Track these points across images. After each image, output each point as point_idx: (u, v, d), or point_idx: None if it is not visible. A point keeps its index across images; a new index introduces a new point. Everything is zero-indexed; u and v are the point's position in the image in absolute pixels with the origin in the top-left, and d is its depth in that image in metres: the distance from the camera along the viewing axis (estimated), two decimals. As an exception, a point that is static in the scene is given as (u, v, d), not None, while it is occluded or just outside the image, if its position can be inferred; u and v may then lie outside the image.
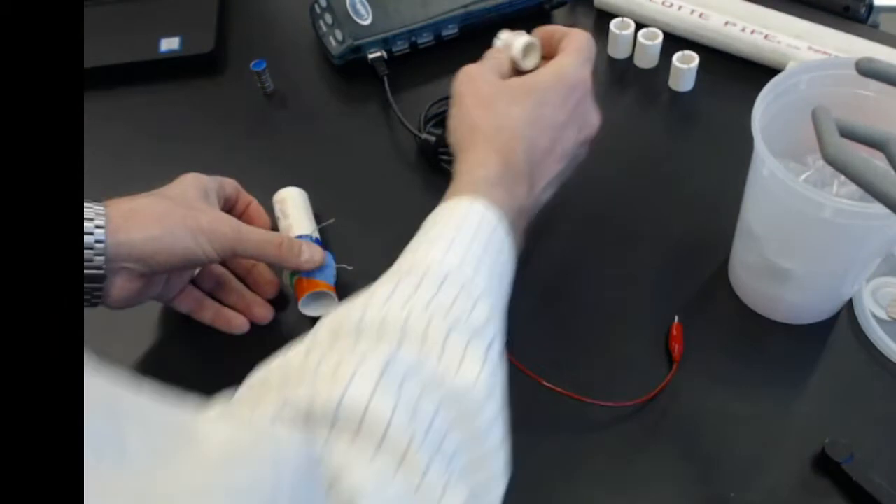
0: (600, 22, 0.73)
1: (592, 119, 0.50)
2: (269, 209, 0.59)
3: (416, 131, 0.63)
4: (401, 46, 0.70)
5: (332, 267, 0.54)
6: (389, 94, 0.66)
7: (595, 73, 0.70)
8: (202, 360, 0.54)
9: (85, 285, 0.46)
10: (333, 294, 0.53)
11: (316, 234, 0.56)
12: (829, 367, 0.50)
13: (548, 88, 0.47)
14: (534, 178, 0.46)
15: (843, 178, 0.47)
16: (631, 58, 0.70)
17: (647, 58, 0.69)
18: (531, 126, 0.46)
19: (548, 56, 0.50)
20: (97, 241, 0.44)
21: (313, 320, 0.54)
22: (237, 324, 0.54)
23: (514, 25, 0.74)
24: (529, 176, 0.45)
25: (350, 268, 0.55)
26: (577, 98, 0.48)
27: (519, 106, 0.46)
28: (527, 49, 0.51)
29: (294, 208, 0.57)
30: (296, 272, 0.53)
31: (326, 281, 0.53)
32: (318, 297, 0.53)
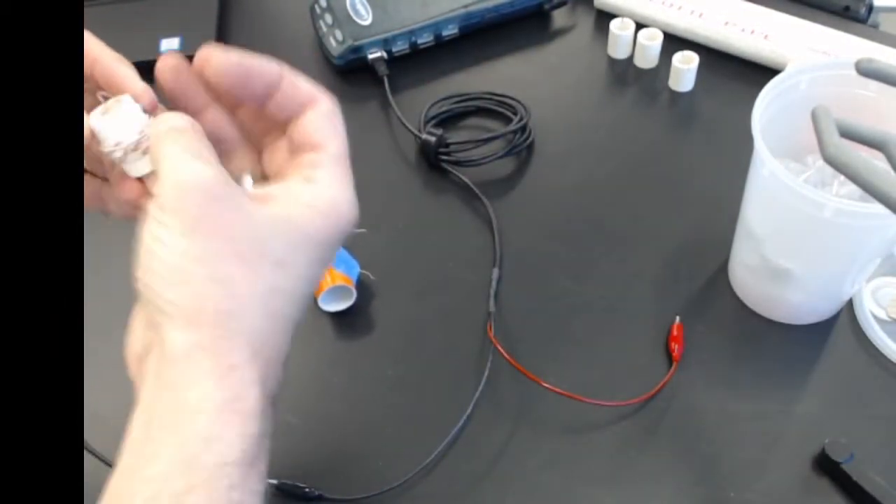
0: (600, 22, 0.73)
1: None
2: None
3: (416, 131, 0.63)
4: (401, 47, 0.70)
5: (356, 268, 0.54)
6: (389, 94, 0.66)
7: (595, 73, 0.70)
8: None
9: None
10: (353, 289, 0.53)
11: None
12: (829, 367, 0.50)
13: (326, 238, 0.32)
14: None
15: (843, 178, 0.47)
16: (631, 58, 0.70)
17: (647, 58, 0.69)
18: (299, 300, 0.31)
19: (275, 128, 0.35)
20: None
21: (332, 316, 0.54)
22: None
23: (514, 26, 0.74)
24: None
25: (373, 277, 0.55)
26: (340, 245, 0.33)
27: (294, 268, 0.31)
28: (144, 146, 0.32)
29: None
30: None
31: (348, 276, 0.53)
32: (337, 292, 0.53)
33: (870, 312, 0.52)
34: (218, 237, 0.28)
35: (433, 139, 0.61)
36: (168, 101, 0.34)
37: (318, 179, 0.32)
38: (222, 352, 0.28)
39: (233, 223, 0.29)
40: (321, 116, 0.33)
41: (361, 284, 0.55)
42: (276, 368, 0.30)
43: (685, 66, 0.66)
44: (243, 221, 0.29)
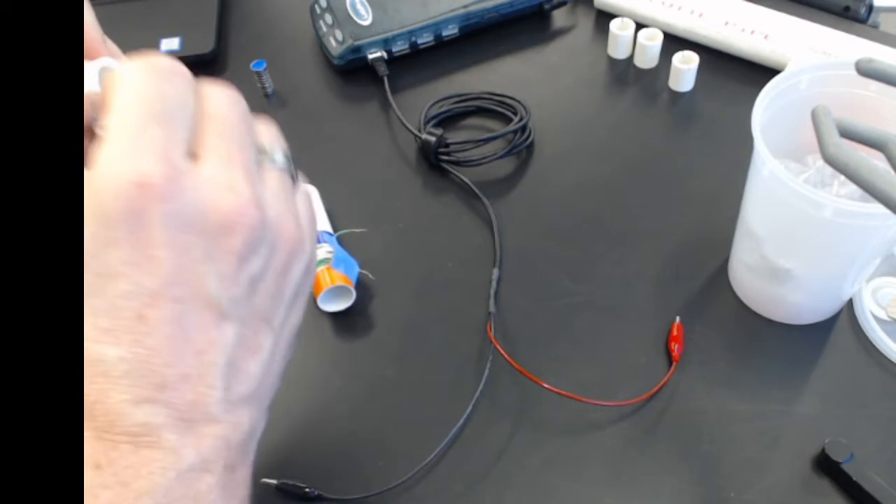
0: (600, 22, 0.73)
1: (312, 262, 0.32)
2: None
3: (416, 131, 0.63)
4: (401, 47, 0.70)
5: (355, 268, 0.54)
6: (389, 94, 0.66)
7: (595, 73, 0.70)
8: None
9: None
10: (352, 289, 0.53)
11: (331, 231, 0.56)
12: (829, 367, 0.50)
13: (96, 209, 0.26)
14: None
15: (843, 178, 0.47)
16: (631, 58, 0.70)
17: (647, 58, 0.69)
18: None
19: None
20: None
21: (332, 316, 0.54)
22: None
23: (514, 26, 0.74)
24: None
25: (373, 277, 0.55)
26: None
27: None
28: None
29: None
30: (317, 266, 0.52)
31: (348, 276, 0.53)
32: (337, 292, 0.53)
33: (870, 312, 0.52)
34: None
35: (433, 139, 0.61)
36: None
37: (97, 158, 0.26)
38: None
39: None
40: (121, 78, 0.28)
41: (361, 284, 0.55)
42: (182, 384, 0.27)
43: (685, 66, 0.66)
44: None
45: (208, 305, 0.27)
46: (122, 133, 0.26)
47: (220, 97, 0.30)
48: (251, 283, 0.29)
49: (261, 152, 0.31)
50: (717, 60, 0.69)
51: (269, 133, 0.32)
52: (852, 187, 0.48)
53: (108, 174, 0.25)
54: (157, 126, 0.26)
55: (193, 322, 0.27)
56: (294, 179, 0.33)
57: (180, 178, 0.26)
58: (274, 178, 0.31)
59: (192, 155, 0.28)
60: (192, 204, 0.27)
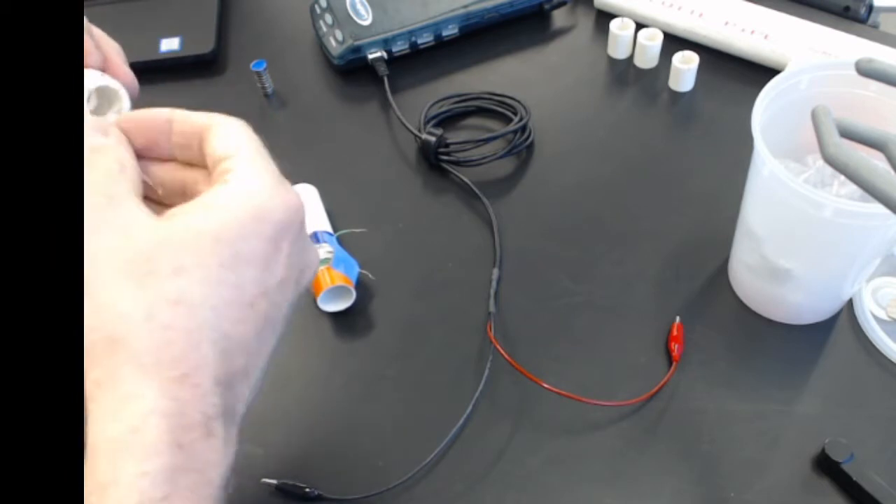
0: (600, 22, 0.73)
1: (311, 257, 0.34)
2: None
3: (416, 131, 0.63)
4: (401, 47, 0.70)
5: (355, 268, 0.54)
6: (389, 94, 0.66)
7: (595, 73, 0.70)
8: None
9: None
10: (352, 289, 0.53)
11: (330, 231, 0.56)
12: (829, 367, 0.50)
13: (243, 232, 0.29)
14: (232, 391, 0.29)
15: (843, 178, 0.47)
16: (631, 58, 0.70)
17: (647, 58, 0.69)
18: (224, 307, 0.28)
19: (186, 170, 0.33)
20: None
21: (332, 316, 0.54)
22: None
23: (514, 26, 0.74)
24: (221, 399, 0.28)
25: (373, 277, 0.55)
26: (292, 236, 0.31)
27: (200, 271, 0.28)
28: (102, 99, 0.34)
29: (309, 204, 0.57)
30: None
31: (348, 276, 0.53)
32: (337, 292, 0.53)
33: (870, 312, 0.52)
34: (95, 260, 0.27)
35: (433, 139, 0.61)
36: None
37: (231, 180, 0.30)
38: (116, 382, 0.26)
39: (112, 244, 0.27)
40: (227, 129, 0.33)
41: (361, 284, 0.55)
42: (210, 389, 0.27)
43: (685, 66, 0.66)
44: (122, 240, 0.27)
45: (282, 319, 0.32)
46: (268, 164, 0.32)
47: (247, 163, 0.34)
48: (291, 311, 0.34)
49: None
50: (717, 60, 0.69)
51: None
52: (852, 187, 0.48)
53: (273, 190, 0.31)
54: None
55: (270, 328, 0.31)
56: None
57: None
58: None
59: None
60: (306, 241, 0.34)
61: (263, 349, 0.30)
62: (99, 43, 0.36)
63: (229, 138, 0.32)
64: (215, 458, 0.27)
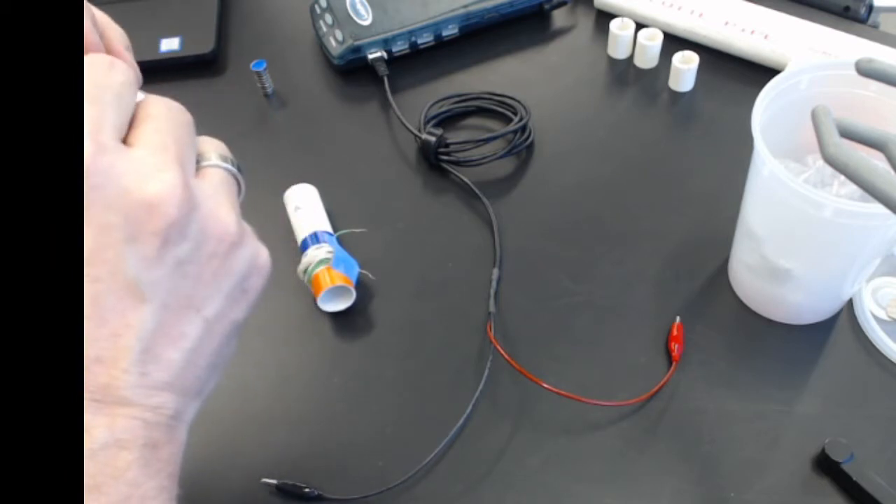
0: (600, 22, 0.73)
1: (260, 259, 0.32)
2: (275, 208, 0.59)
3: (416, 131, 0.63)
4: (401, 47, 0.70)
5: (355, 268, 0.54)
6: (389, 94, 0.66)
7: (595, 73, 0.70)
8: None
9: None
10: (352, 289, 0.53)
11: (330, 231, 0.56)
12: (829, 367, 0.50)
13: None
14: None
15: (843, 178, 0.47)
16: (631, 58, 0.70)
17: (647, 58, 0.69)
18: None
19: None
20: None
21: (332, 316, 0.54)
22: None
23: (514, 26, 0.74)
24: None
25: (373, 277, 0.55)
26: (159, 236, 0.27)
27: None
28: None
29: (309, 204, 0.57)
30: (317, 266, 0.52)
31: (348, 276, 0.53)
32: (337, 292, 0.53)
33: (870, 312, 0.52)
34: None
35: (433, 139, 0.61)
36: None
37: None
38: None
39: None
40: (143, 111, 0.30)
41: (361, 284, 0.55)
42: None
43: (685, 66, 0.66)
44: None
45: (127, 287, 0.27)
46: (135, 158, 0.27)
47: (162, 102, 0.31)
48: (176, 266, 0.28)
49: (205, 157, 0.32)
50: (717, 60, 0.69)
51: (215, 142, 0.33)
52: (852, 187, 0.48)
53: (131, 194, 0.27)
54: (87, 105, 0.27)
55: (111, 303, 0.27)
56: (240, 186, 0.33)
57: (104, 156, 0.26)
58: (215, 175, 0.31)
59: (126, 143, 0.28)
60: (116, 183, 0.27)
61: (116, 328, 0.28)
62: (103, 31, 0.36)
63: (143, 122, 0.29)
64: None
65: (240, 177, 0.33)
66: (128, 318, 0.27)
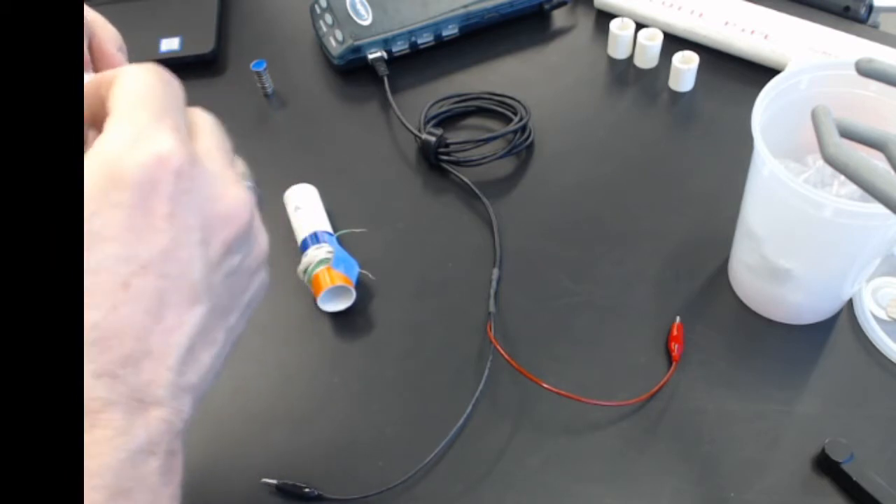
0: (600, 22, 0.73)
1: (262, 237, 0.32)
2: (276, 208, 0.59)
3: (416, 131, 0.63)
4: (401, 47, 0.70)
5: (355, 268, 0.54)
6: (389, 94, 0.66)
7: (595, 73, 0.70)
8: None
9: None
10: (352, 289, 0.53)
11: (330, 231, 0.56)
12: (829, 367, 0.50)
13: (93, 206, 0.26)
14: (125, 380, 0.27)
15: (843, 178, 0.47)
16: (631, 58, 0.70)
17: (647, 58, 0.69)
18: (85, 297, 0.26)
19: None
20: None
21: (332, 316, 0.54)
22: None
23: (514, 26, 0.74)
24: (109, 390, 0.27)
25: (373, 277, 0.55)
26: (167, 194, 0.27)
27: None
28: None
29: (309, 204, 0.57)
30: (317, 266, 0.52)
31: (348, 276, 0.53)
32: (337, 292, 0.53)
33: (870, 312, 0.52)
34: None
35: (433, 139, 0.61)
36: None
37: (93, 144, 0.28)
38: None
39: None
40: (122, 80, 0.29)
41: (361, 284, 0.55)
42: (89, 383, 0.26)
43: (685, 66, 0.66)
44: None
45: (189, 288, 0.28)
46: (139, 113, 0.28)
47: (207, 116, 0.32)
48: (227, 276, 0.30)
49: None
50: (717, 60, 0.69)
51: (240, 161, 0.34)
52: (852, 187, 0.48)
53: (128, 144, 0.27)
54: (170, 113, 0.28)
55: (172, 301, 0.28)
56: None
57: (195, 163, 0.28)
58: (252, 195, 0.33)
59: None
60: (204, 189, 0.28)
61: (171, 325, 0.28)
62: (94, 32, 0.36)
63: (118, 90, 0.28)
64: (101, 449, 0.26)
65: (258, 194, 0.34)
66: (183, 317, 0.28)
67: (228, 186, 0.29)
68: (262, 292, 0.33)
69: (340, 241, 0.55)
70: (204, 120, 0.31)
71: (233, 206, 0.29)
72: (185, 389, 0.29)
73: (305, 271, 0.53)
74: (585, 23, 0.74)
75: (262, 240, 0.32)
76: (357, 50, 0.68)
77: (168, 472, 0.28)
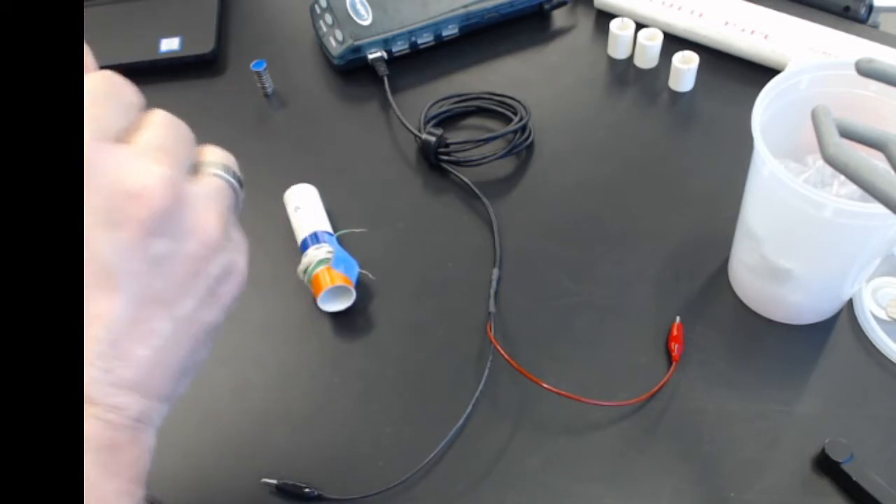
0: (600, 22, 0.73)
1: (236, 267, 0.32)
2: (276, 208, 0.59)
3: (416, 131, 0.63)
4: (401, 47, 0.70)
5: (355, 268, 0.54)
6: (389, 94, 0.66)
7: (595, 73, 0.70)
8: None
9: None
10: (352, 289, 0.53)
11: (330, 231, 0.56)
12: (829, 367, 0.50)
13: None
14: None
15: (843, 178, 0.47)
16: (631, 58, 0.70)
17: (647, 58, 0.69)
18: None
19: None
20: None
21: (332, 316, 0.54)
22: None
23: (514, 26, 0.74)
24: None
25: (373, 277, 0.55)
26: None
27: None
28: None
29: (309, 204, 0.57)
30: (317, 266, 0.52)
31: (348, 276, 0.53)
32: (337, 292, 0.53)
33: (870, 312, 0.52)
34: None
35: (433, 139, 0.61)
36: None
37: None
38: None
39: None
40: None
41: (361, 284, 0.55)
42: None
43: (685, 66, 0.66)
44: None
45: (101, 273, 0.27)
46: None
47: (164, 113, 0.31)
48: (154, 261, 0.28)
49: (207, 165, 0.32)
50: (717, 60, 0.69)
51: (222, 153, 0.33)
52: (852, 187, 0.48)
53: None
54: (94, 104, 0.28)
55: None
56: (237, 199, 0.33)
57: (100, 150, 0.27)
58: (212, 182, 0.31)
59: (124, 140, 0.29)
60: (106, 172, 0.27)
61: (85, 316, 0.27)
62: None
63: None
64: None
65: (239, 190, 0.33)
66: (99, 307, 0.27)
67: (143, 165, 0.28)
68: (229, 282, 0.31)
69: (340, 241, 0.56)
70: (154, 115, 0.30)
71: (144, 183, 0.27)
72: (124, 386, 0.28)
73: (305, 271, 0.53)
74: (585, 23, 0.74)
75: (205, 226, 0.30)
76: (357, 50, 0.68)
77: (108, 467, 0.27)
